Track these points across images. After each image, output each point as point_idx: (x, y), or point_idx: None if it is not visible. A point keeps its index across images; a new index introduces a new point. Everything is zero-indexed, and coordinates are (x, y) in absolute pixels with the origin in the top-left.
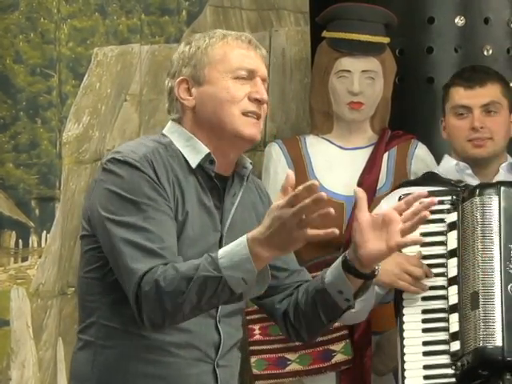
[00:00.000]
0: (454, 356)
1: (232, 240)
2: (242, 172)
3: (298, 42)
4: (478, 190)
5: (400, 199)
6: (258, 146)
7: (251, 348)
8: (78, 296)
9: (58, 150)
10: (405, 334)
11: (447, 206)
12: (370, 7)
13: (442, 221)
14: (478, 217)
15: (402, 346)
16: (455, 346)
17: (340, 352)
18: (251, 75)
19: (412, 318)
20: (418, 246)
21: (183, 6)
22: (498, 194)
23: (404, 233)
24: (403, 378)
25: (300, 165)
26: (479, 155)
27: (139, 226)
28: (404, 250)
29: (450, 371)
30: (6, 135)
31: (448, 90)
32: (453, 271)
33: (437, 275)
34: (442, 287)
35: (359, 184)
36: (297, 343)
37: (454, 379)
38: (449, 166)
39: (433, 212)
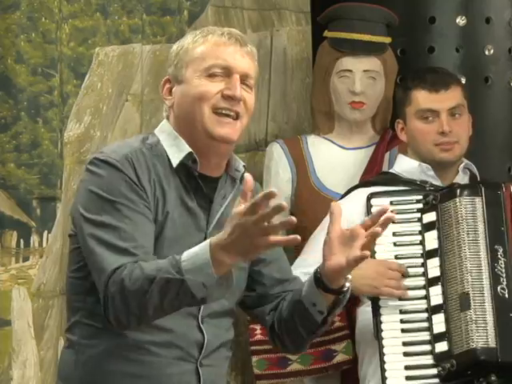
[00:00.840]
0: (440, 356)
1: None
2: (235, 175)
3: (300, 41)
4: (458, 191)
5: (368, 199)
6: (259, 145)
7: (252, 348)
8: (66, 295)
9: (59, 150)
10: (383, 335)
11: (419, 206)
12: (371, 7)
13: (417, 220)
14: (462, 217)
15: (382, 347)
16: (442, 346)
17: (341, 352)
18: (227, 72)
19: (390, 318)
20: (392, 246)
21: (185, 5)
22: (481, 196)
23: (364, 247)
24: (384, 378)
25: (301, 165)
26: (447, 159)
27: (113, 225)
28: (378, 252)
29: (432, 372)
30: (7, 135)
31: (409, 93)
32: (434, 271)
33: (414, 276)
34: (420, 287)
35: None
36: None
37: (436, 380)
38: (410, 167)
39: (405, 212)
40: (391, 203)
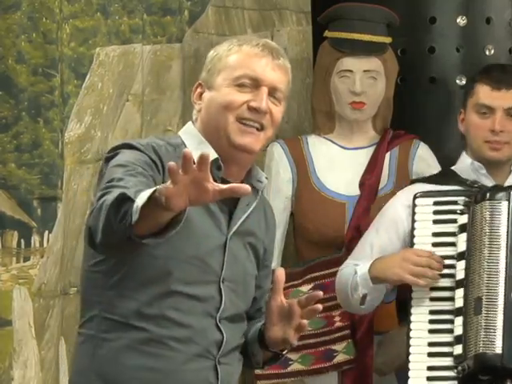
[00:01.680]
0: (457, 359)
1: (235, 246)
2: (257, 185)
3: (300, 41)
4: (488, 194)
5: (415, 197)
6: None
7: None
8: (81, 290)
9: (60, 150)
10: (412, 334)
11: (460, 207)
12: (371, 7)
13: (454, 221)
14: (487, 221)
15: (409, 346)
16: (458, 349)
17: (342, 352)
18: (256, 83)
19: (419, 317)
20: (430, 246)
21: (185, 5)
22: (508, 199)
23: (297, 329)
24: (407, 377)
25: (302, 165)
26: (495, 158)
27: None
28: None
29: (452, 374)
30: (8, 135)
31: (474, 86)
32: (460, 274)
33: (446, 276)
34: (450, 289)
35: (361, 184)
36: (298, 343)
37: (455, 382)
38: (464, 165)
39: (446, 212)
40: (434, 203)
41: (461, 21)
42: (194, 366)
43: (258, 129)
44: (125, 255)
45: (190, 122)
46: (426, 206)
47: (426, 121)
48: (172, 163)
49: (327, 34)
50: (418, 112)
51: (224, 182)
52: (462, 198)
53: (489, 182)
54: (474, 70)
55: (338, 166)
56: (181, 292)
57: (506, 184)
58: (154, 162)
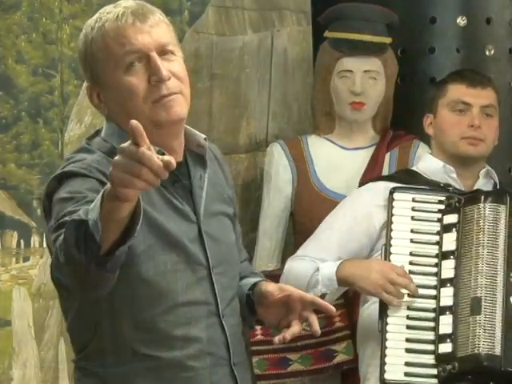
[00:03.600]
0: (443, 357)
1: (211, 227)
2: (199, 151)
3: (300, 41)
4: (483, 197)
5: (391, 193)
6: (259, 146)
7: (253, 348)
8: (69, 330)
9: (60, 150)
10: (388, 328)
11: (441, 206)
12: (372, 7)
13: (437, 220)
14: (484, 223)
15: (385, 339)
16: (446, 347)
17: (342, 352)
18: (141, 55)
19: (397, 312)
20: (408, 242)
21: (185, 6)
22: (506, 204)
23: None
24: (383, 371)
25: (302, 165)
26: (471, 154)
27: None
28: (394, 260)
29: (432, 371)
30: (7, 135)
31: (445, 86)
32: (447, 273)
33: (427, 274)
34: (432, 287)
35: (361, 184)
36: (298, 343)
37: (435, 380)
38: (434, 167)
39: (426, 211)
40: (413, 200)
41: (461, 21)
42: (215, 379)
43: (176, 93)
44: (108, 288)
45: (107, 124)
46: (404, 202)
47: None
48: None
49: (327, 34)
50: (418, 112)
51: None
52: (442, 197)
53: (457, 186)
54: (474, 69)
55: (338, 166)
56: (179, 304)
57: (475, 188)
58: (102, 184)
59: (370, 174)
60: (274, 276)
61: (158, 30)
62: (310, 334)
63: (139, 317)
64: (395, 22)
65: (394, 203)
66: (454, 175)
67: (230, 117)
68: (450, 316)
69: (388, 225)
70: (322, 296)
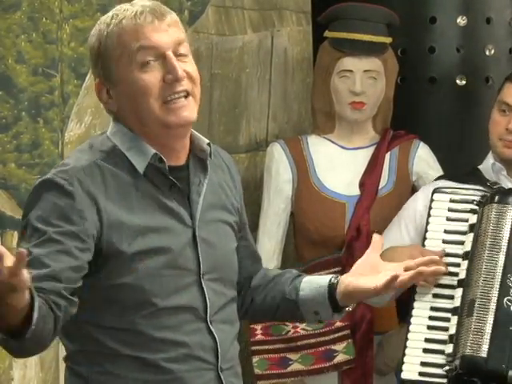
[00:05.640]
0: (448, 358)
1: (207, 233)
2: (202, 155)
3: (300, 41)
4: (497, 197)
5: (433, 192)
6: (259, 146)
7: (253, 348)
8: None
9: (60, 150)
10: (411, 328)
11: (473, 207)
12: (372, 7)
13: (466, 220)
14: (492, 224)
15: (406, 339)
16: (449, 348)
17: (342, 352)
18: (158, 54)
19: (420, 313)
20: (441, 243)
21: (185, 5)
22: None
23: (401, 283)
24: (400, 370)
25: (302, 165)
26: (506, 156)
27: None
28: (427, 246)
29: (442, 372)
30: (8, 135)
31: (504, 83)
32: (462, 274)
33: (451, 274)
34: (452, 287)
35: (361, 184)
36: (298, 343)
37: (445, 380)
38: (486, 165)
39: (460, 210)
40: (450, 200)
41: (461, 21)
42: (198, 383)
43: (185, 96)
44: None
45: (113, 122)
46: (442, 202)
47: (426, 121)
48: None
49: (327, 34)
50: (418, 112)
51: (171, 169)
52: (477, 197)
53: (509, 184)
54: (475, 70)
55: (338, 166)
56: (162, 308)
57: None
58: (78, 207)
59: (370, 174)
60: None
61: (175, 30)
62: (310, 333)
63: (122, 319)
64: (395, 21)
65: (433, 204)
66: (504, 172)
67: (229, 117)
68: (456, 317)
69: (425, 225)
70: None
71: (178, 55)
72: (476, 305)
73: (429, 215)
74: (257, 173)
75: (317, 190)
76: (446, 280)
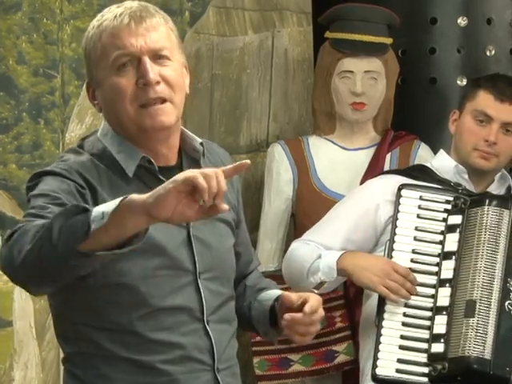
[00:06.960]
0: (434, 357)
1: (203, 232)
2: (195, 155)
3: (301, 42)
4: (487, 200)
5: (399, 190)
6: (260, 146)
7: (254, 349)
8: (54, 325)
9: (60, 151)
10: (384, 323)
11: (448, 206)
12: (372, 8)
13: (442, 220)
14: (485, 227)
15: (379, 335)
16: (438, 347)
17: (343, 353)
18: (133, 57)
19: (394, 309)
20: (412, 240)
21: (186, 6)
22: (510, 209)
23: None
24: (375, 366)
25: (303, 165)
26: (481, 167)
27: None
28: (396, 256)
29: (423, 370)
30: (8, 136)
31: (477, 90)
32: (447, 273)
33: (427, 273)
34: (431, 286)
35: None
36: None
37: (425, 378)
38: (446, 166)
39: (432, 210)
40: (421, 198)
41: (461, 21)
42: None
43: (160, 102)
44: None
45: (104, 122)
46: (411, 199)
47: (426, 121)
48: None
49: (328, 34)
50: (419, 113)
51: (162, 169)
52: (450, 197)
53: (468, 187)
54: (475, 70)
55: (339, 166)
56: (158, 309)
57: (485, 191)
58: (80, 188)
59: (371, 175)
60: (275, 277)
61: (153, 34)
62: None
63: (118, 320)
64: (396, 22)
65: (401, 200)
66: (466, 176)
67: (230, 117)
68: (445, 316)
69: (393, 221)
70: (321, 284)
71: (156, 59)
72: (478, 306)
73: (397, 211)
74: (257, 173)
75: (317, 190)
76: (422, 279)
